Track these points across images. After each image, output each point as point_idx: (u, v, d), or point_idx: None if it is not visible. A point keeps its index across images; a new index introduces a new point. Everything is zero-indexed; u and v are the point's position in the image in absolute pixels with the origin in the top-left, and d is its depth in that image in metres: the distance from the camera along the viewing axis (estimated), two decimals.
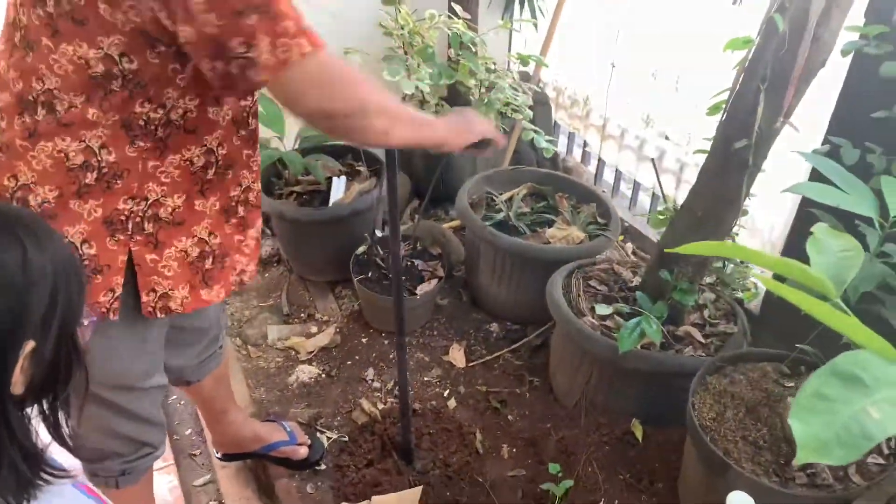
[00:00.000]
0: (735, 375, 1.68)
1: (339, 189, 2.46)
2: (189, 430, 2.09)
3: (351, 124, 1.04)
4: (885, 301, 1.38)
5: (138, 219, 1.08)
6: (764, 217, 2.25)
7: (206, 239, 1.18)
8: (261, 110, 2.42)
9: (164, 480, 1.90)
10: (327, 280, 2.53)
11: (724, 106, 1.58)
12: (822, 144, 1.76)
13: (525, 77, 2.88)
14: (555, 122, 3.19)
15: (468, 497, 1.80)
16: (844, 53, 1.55)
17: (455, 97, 2.61)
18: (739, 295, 2.11)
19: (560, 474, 1.76)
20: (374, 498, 1.55)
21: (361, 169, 2.54)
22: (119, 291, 1.09)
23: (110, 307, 1.09)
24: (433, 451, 1.90)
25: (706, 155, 1.68)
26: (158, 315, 1.15)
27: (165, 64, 0.98)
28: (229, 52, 0.91)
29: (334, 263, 2.41)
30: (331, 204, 2.38)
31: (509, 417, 2.02)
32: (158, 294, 1.14)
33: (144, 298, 1.12)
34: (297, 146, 2.51)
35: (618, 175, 2.96)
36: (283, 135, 2.40)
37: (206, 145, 1.11)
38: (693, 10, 2.31)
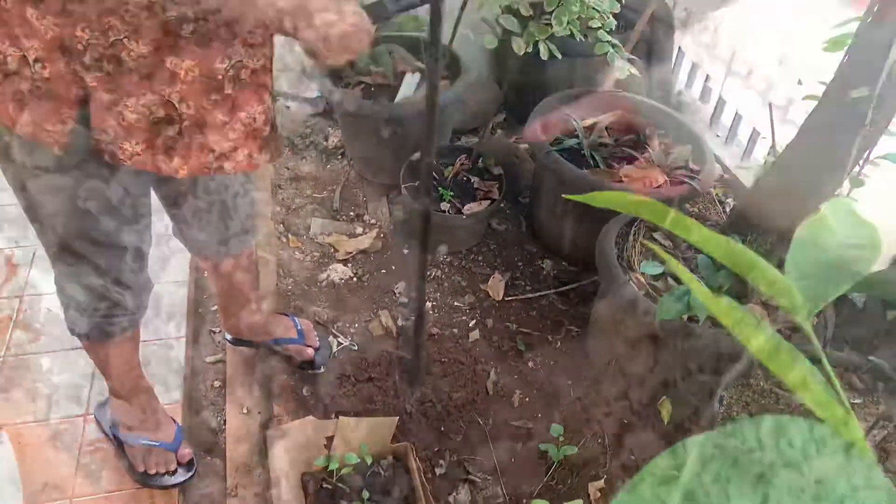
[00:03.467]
0: None
1: (410, 86, 2.27)
2: (216, 307, 2.07)
3: None
4: None
5: (97, 55, 0.97)
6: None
7: (176, 105, 1.06)
8: None
9: (180, 352, 1.90)
10: (383, 183, 2.38)
11: (848, 41, 1.22)
12: None
13: None
14: (679, 48, 2.77)
15: (463, 437, 1.66)
16: None
17: None
18: None
19: (561, 437, 1.56)
20: (341, 418, 1.45)
21: (440, 68, 2.32)
22: (69, 126, 1.01)
23: (57, 141, 1.02)
24: (439, 381, 1.76)
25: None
26: (106, 157, 1.06)
27: None
28: None
29: (391, 166, 2.25)
30: (396, 101, 2.20)
31: (530, 364, 1.84)
32: (111, 137, 1.04)
33: (98, 136, 1.04)
34: None
35: (737, 119, 2.55)
36: None
37: None
38: None
